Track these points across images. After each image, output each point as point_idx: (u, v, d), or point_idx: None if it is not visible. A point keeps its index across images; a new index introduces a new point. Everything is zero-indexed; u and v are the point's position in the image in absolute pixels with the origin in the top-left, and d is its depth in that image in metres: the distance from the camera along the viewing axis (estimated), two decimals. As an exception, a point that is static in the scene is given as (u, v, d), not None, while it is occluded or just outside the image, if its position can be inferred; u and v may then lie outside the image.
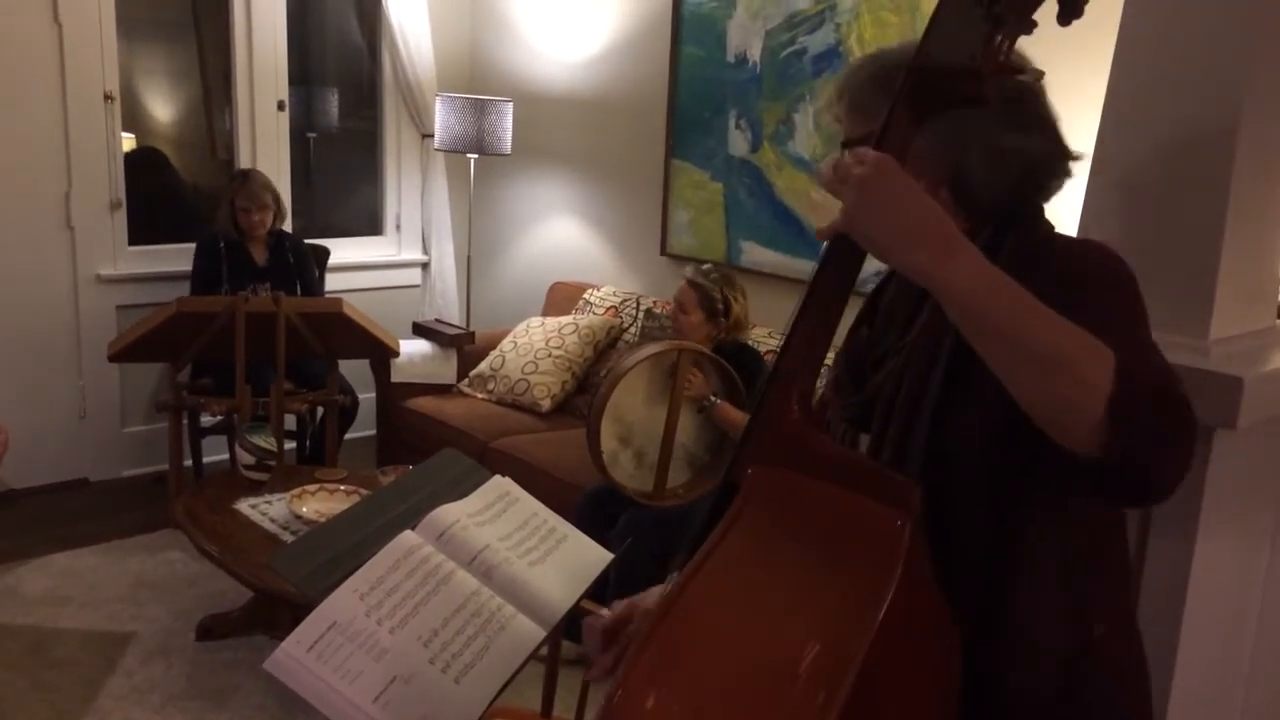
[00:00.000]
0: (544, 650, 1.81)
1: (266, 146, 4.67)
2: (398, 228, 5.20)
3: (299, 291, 4.19)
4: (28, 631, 3.25)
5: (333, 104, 5.30)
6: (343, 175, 5.33)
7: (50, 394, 4.24)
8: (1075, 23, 1.04)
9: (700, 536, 1.08)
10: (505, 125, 4.51)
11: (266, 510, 3.12)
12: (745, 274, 3.75)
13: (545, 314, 4.58)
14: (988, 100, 1.04)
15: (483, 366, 4.36)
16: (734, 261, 4.05)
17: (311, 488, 3.13)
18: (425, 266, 5.19)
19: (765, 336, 3.61)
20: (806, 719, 0.89)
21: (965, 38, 1.03)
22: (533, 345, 4.28)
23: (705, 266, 3.40)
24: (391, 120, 5.08)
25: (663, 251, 4.42)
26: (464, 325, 4.69)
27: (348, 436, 4.28)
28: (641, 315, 4.20)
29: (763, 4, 3.91)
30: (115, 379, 4.37)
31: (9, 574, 3.58)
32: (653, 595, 1.33)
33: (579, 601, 1.50)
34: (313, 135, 5.16)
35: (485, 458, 3.66)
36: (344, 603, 1.28)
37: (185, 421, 4.09)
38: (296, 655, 1.22)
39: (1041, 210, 1.20)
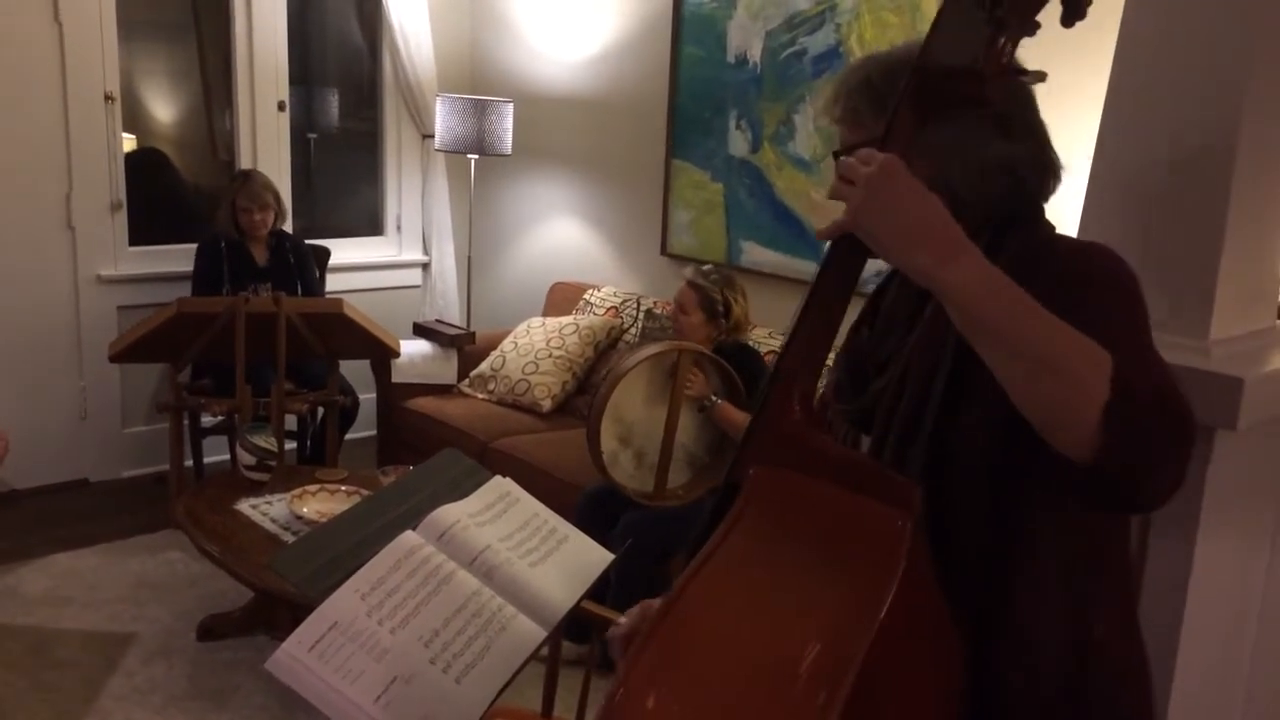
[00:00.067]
0: (545, 650, 1.81)
1: (267, 147, 4.67)
2: (398, 228, 5.20)
3: (300, 292, 4.19)
4: (29, 632, 3.25)
5: (333, 104, 5.30)
6: (343, 176, 5.33)
7: (51, 394, 4.25)
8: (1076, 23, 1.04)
9: (702, 537, 1.08)
10: (506, 126, 4.52)
11: (267, 511, 3.12)
12: (745, 274, 3.75)
13: (546, 314, 4.58)
14: (990, 102, 1.04)
15: (483, 367, 4.36)
16: (734, 262, 4.05)
17: (312, 488, 3.13)
18: (426, 267, 5.19)
19: (765, 337, 3.61)
20: (807, 719, 0.89)
21: (968, 39, 1.03)
22: (533, 345, 4.28)
23: (705, 267, 3.40)
24: (392, 121, 5.08)
25: (663, 252, 4.43)
26: (464, 326, 4.70)
27: (348, 437, 4.28)
28: (642, 316, 4.20)
29: (763, 4, 3.91)
30: (116, 379, 4.37)
31: (10, 574, 3.58)
32: None
33: (579, 602, 1.51)
34: (313, 136, 5.16)
35: (486, 458, 3.66)
36: (345, 603, 1.28)
37: (186, 422, 4.10)
38: (298, 655, 1.22)
39: (1042, 211, 1.21)
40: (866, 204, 1.02)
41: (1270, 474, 1.86)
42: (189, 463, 4.17)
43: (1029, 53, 1.07)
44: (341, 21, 5.21)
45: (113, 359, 3.84)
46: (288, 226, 4.37)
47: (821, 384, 1.20)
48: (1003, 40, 1.02)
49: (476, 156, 4.63)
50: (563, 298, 4.60)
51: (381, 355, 4.17)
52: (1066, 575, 1.14)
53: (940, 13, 1.06)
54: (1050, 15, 1.03)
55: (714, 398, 3.15)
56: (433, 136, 4.73)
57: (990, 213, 1.16)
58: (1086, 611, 1.15)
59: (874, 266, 1.12)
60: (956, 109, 1.08)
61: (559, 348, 4.23)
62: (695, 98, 4.20)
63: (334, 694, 1.20)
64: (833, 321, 1.10)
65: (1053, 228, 1.20)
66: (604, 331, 4.27)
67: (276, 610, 3.12)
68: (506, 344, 4.39)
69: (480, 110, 4.46)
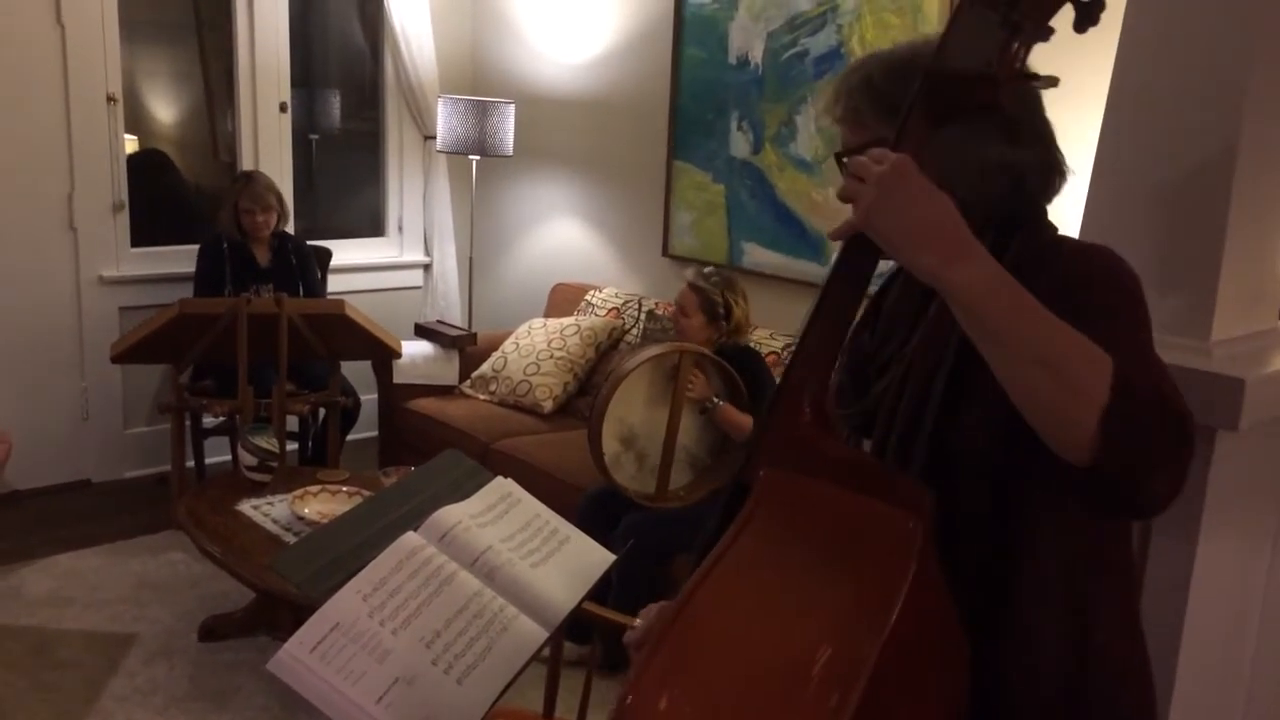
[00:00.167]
0: (546, 651, 1.81)
1: (269, 148, 4.68)
2: (400, 229, 5.20)
3: (301, 293, 4.19)
4: (30, 632, 3.25)
5: (335, 106, 5.31)
6: (345, 177, 5.33)
7: (53, 395, 4.25)
8: (1080, 25, 1.04)
9: (712, 539, 1.08)
10: (507, 127, 4.52)
11: (269, 511, 3.12)
12: (747, 275, 3.75)
13: (547, 315, 4.58)
14: (1003, 106, 1.04)
15: (485, 368, 4.36)
16: (735, 263, 4.05)
17: (314, 489, 3.14)
18: (427, 268, 5.19)
19: (766, 338, 3.61)
20: (818, 721, 0.89)
21: (982, 44, 1.03)
22: (535, 346, 4.28)
23: (706, 269, 3.40)
24: (394, 122, 5.09)
25: (664, 253, 4.43)
26: (466, 326, 4.70)
27: (350, 438, 4.29)
28: (643, 317, 4.20)
29: (764, 5, 3.91)
30: (118, 380, 4.38)
31: (12, 575, 3.59)
32: None
33: (581, 603, 1.51)
34: (315, 137, 5.16)
35: (487, 459, 3.67)
36: (347, 604, 1.28)
37: (187, 423, 4.10)
38: (299, 656, 1.22)
39: (1044, 212, 1.21)
40: (878, 203, 1.02)
41: (1271, 475, 1.86)
42: (190, 463, 4.17)
43: (1032, 54, 1.06)
44: (343, 23, 5.22)
45: (114, 360, 3.85)
46: (290, 228, 4.37)
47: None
48: (1016, 45, 1.02)
49: (478, 157, 4.63)
50: (564, 299, 4.60)
51: (383, 356, 4.17)
52: (1067, 575, 1.14)
53: (954, 16, 1.06)
54: (1062, 20, 1.03)
55: (715, 399, 3.15)
56: (434, 137, 4.73)
57: (990, 213, 1.16)
58: (1087, 612, 1.15)
59: (875, 268, 1.12)
60: (969, 113, 1.08)
61: (560, 349, 4.23)
62: (697, 99, 4.20)
63: (336, 695, 1.20)
64: (845, 323, 1.10)
65: (1055, 229, 1.20)
66: (605, 333, 4.27)
67: (278, 611, 3.12)
68: (508, 345, 4.39)
69: (482, 111, 4.46)
